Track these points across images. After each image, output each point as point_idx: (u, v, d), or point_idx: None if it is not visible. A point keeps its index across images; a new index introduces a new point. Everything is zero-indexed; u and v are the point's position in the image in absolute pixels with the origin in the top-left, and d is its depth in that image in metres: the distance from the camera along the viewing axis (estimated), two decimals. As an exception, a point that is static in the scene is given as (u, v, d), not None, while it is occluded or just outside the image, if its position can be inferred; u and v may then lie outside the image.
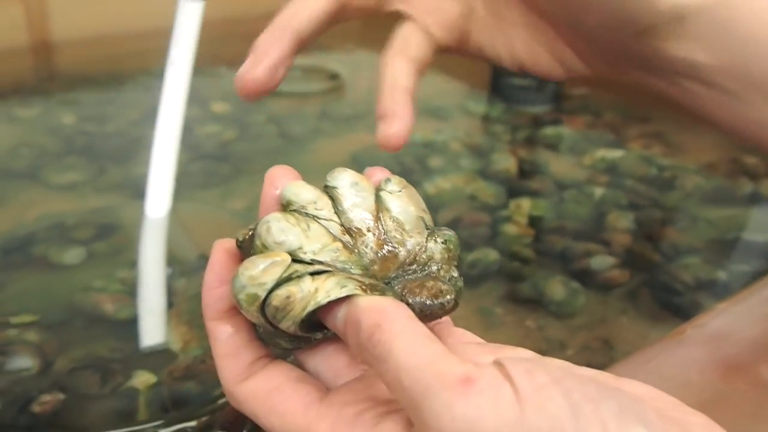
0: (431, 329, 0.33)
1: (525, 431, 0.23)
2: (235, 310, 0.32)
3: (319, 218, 0.32)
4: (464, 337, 0.35)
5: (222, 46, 1.24)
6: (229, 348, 0.33)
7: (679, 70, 0.44)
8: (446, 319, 0.35)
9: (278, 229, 0.31)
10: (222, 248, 0.33)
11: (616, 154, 0.88)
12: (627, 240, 0.70)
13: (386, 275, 0.32)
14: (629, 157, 0.88)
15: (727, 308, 0.44)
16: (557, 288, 0.62)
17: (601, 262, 0.65)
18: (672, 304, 0.61)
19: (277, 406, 0.30)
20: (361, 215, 0.33)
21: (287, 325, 0.30)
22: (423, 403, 0.24)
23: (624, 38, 0.43)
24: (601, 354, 0.56)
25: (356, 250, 0.32)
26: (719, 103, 0.45)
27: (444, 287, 0.32)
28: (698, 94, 0.45)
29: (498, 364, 0.25)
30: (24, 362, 0.51)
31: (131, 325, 0.56)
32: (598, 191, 0.79)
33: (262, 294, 0.30)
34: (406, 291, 0.31)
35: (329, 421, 0.29)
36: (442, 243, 0.34)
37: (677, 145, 0.92)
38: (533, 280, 0.64)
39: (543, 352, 0.31)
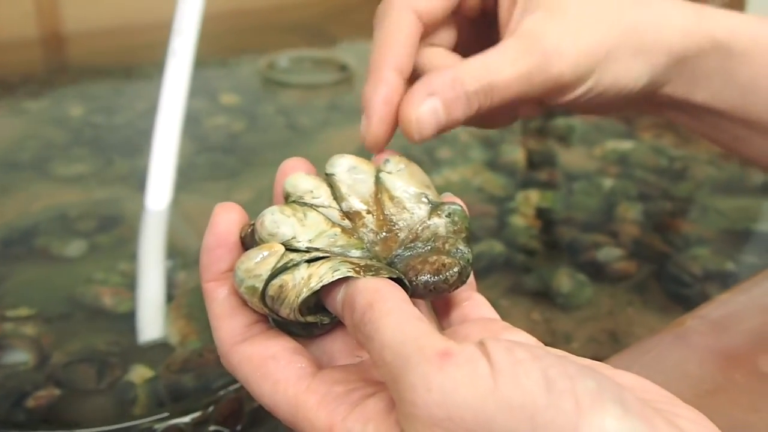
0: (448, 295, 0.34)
1: (498, 403, 0.23)
2: (232, 272, 0.33)
3: (317, 206, 0.33)
4: (478, 309, 0.35)
5: (231, 39, 1.24)
6: (225, 309, 0.33)
7: (679, 107, 0.48)
8: (471, 285, 0.36)
9: (271, 221, 0.31)
10: (224, 210, 0.33)
11: (627, 145, 0.87)
12: (636, 231, 0.69)
13: (389, 255, 0.33)
14: (640, 147, 0.87)
15: (729, 299, 0.43)
16: (564, 280, 0.61)
17: (609, 253, 0.64)
18: (680, 295, 0.60)
19: (271, 374, 0.30)
20: (359, 198, 0.34)
21: (286, 312, 0.31)
22: (401, 376, 0.25)
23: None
24: (607, 347, 0.55)
25: (356, 234, 0.33)
26: (720, 136, 0.50)
27: (447, 261, 0.32)
28: (697, 127, 0.50)
29: (480, 342, 0.25)
30: (19, 356, 0.50)
31: (130, 318, 0.55)
32: (608, 182, 0.78)
33: (260, 285, 0.30)
34: (408, 269, 0.32)
35: (318, 396, 0.29)
36: (446, 217, 0.34)
37: (689, 136, 0.91)
38: (539, 272, 0.63)
39: (548, 345, 0.31)
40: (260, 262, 0.30)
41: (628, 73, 0.42)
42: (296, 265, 0.31)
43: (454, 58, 0.42)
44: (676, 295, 0.60)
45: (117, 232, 0.67)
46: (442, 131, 0.38)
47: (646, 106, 0.48)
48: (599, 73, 0.41)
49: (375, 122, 0.37)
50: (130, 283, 0.59)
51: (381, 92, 0.37)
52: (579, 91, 0.41)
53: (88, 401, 0.47)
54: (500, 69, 0.38)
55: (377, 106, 0.37)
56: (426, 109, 0.37)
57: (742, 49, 0.45)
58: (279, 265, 0.30)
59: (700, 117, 0.48)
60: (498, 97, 0.38)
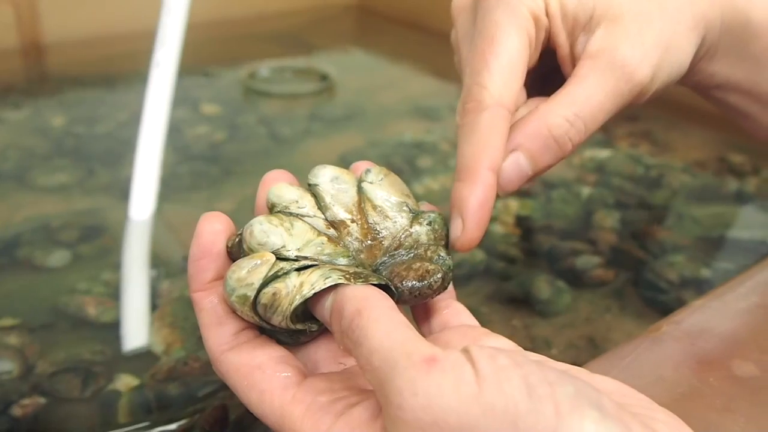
0: (429, 303, 0.35)
1: (481, 408, 0.24)
2: (219, 281, 0.34)
3: (302, 216, 0.34)
4: (458, 316, 0.36)
5: (212, 48, 1.24)
6: (213, 317, 0.33)
7: (709, 84, 0.47)
8: (451, 294, 0.37)
9: (260, 231, 0.32)
10: (207, 221, 0.34)
11: (604, 153, 0.88)
12: (613, 239, 0.70)
13: (374, 262, 0.34)
14: (617, 156, 0.88)
15: (704, 305, 0.44)
16: (543, 287, 0.62)
17: (587, 260, 0.65)
18: (657, 301, 0.61)
19: (257, 383, 0.31)
20: (343, 208, 0.35)
21: (278, 320, 0.32)
22: (388, 381, 0.26)
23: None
24: (586, 352, 0.56)
25: (342, 242, 0.34)
26: (738, 113, 0.49)
27: (431, 267, 0.33)
28: (722, 102, 0.49)
29: (464, 349, 0.26)
30: (4, 366, 0.50)
31: (115, 327, 0.56)
32: (586, 190, 0.79)
33: (252, 294, 0.31)
34: (393, 275, 0.33)
35: (303, 407, 0.30)
36: (427, 224, 0.35)
37: (665, 144, 0.92)
38: (519, 279, 0.64)
39: (528, 351, 0.31)
40: (252, 271, 0.31)
41: (686, 57, 0.41)
42: (286, 273, 0.31)
43: (535, 101, 0.41)
44: (652, 301, 0.61)
45: (100, 242, 0.67)
46: (537, 176, 0.38)
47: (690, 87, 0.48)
48: (668, 64, 0.40)
49: (472, 227, 0.35)
50: (113, 293, 0.59)
51: (478, 194, 0.35)
52: (655, 86, 0.40)
53: (74, 410, 0.48)
54: (588, 96, 0.38)
55: (474, 210, 0.35)
56: (507, 165, 0.37)
57: (760, 20, 0.44)
58: (270, 273, 0.31)
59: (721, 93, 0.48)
60: (594, 124, 0.38)
